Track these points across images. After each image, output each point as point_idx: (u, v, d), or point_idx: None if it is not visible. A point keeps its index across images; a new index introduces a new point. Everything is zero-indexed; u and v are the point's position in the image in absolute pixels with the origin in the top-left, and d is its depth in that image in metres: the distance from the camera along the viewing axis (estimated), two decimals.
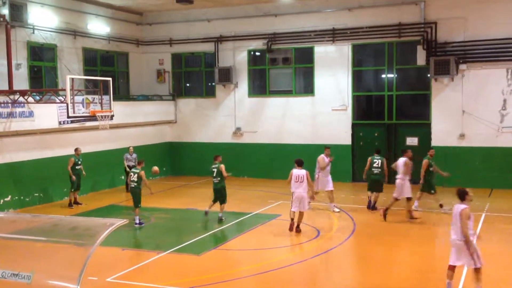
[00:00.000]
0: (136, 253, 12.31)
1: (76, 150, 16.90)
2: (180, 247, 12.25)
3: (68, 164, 16.57)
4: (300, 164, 13.33)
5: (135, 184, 14.24)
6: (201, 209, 15.26)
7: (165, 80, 23.43)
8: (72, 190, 16.76)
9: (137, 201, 14.25)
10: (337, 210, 15.47)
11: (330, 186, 15.65)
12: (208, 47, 22.54)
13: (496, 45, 18.31)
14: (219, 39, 22.27)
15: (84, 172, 16.85)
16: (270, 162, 21.78)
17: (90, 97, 17.33)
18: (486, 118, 18.66)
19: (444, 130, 19.24)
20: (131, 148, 19.16)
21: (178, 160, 23.37)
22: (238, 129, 22.33)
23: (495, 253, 11.12)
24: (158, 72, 23.52)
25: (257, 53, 22.16)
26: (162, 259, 11.45)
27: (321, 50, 20.86)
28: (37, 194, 17.06)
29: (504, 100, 18.43)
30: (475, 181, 18.33)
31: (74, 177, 16.48)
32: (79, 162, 16.76)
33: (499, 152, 18.51)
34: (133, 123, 20.82)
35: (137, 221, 14.18)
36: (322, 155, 15.76)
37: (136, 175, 14.25)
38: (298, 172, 13.18)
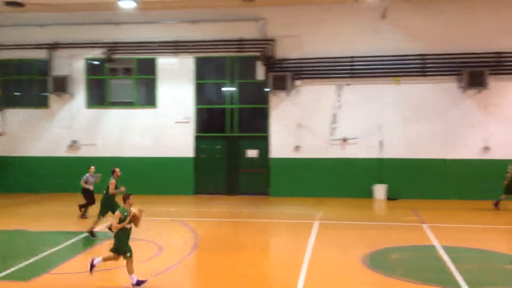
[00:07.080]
0: None
1: None
2: (6, 273, 11.02)
3: None
4: None
5: None
6: (31, 229, 13.88)
7: None
8: None
9: None
10: None
11: None
12: (41, 54, 20.95)
13: (327, 63, 19.71)
14: (54, 46, 20.81)
15: None
16: (109, 176, 20.76)
17: None
18: (318, 131, 19.91)
19: (281, 142, 20.11)
20: None
21: (5, 175, 21.26)
22: (74, 142, 21.01)
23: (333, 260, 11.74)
24: None
25: (96, 62, 21.13)
26: None
27: (164, 62, 20.57)
28: None
29: (334, 115, 19.83)
30: (305, 191, 19.54)
31: None
32: None
33: (329, 162, 19.84)
34: None
35: None
36: None
37: None
38: None
